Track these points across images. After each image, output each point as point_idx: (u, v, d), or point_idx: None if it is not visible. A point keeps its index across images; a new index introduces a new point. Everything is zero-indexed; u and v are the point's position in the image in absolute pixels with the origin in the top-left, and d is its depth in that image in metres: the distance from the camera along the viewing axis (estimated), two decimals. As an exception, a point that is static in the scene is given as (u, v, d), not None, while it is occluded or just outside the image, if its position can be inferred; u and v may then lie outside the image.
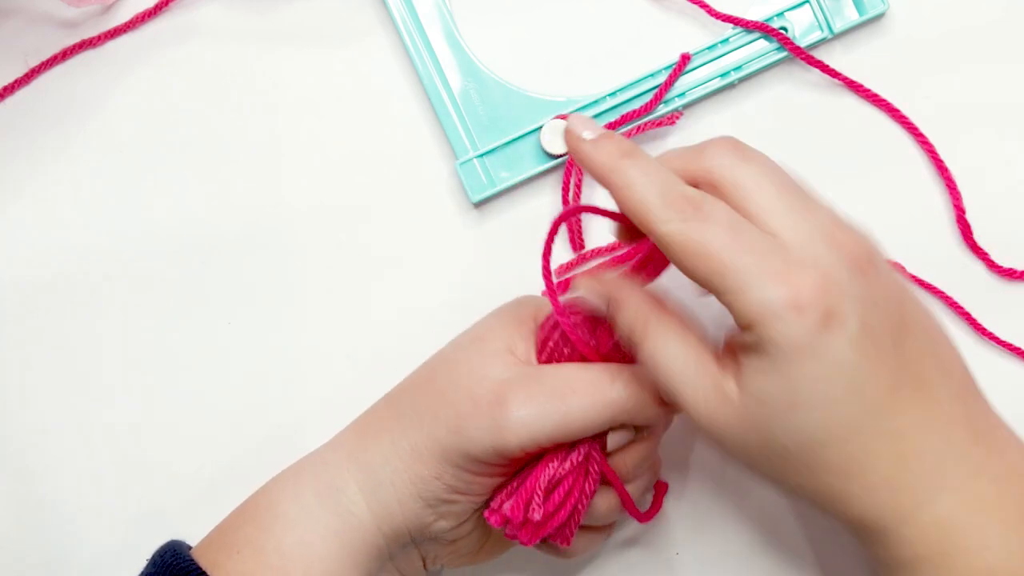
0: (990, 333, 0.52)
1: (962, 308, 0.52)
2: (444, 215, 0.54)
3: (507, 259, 0.54)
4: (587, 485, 0.43)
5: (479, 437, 0.41)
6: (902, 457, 0.37)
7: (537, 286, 0.46)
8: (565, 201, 0.53)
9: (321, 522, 0.43)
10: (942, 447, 0.37)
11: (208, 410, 0.54)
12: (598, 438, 0.43)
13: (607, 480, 0.44)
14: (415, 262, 0.54)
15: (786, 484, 0.39)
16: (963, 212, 0.53)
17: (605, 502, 0.45)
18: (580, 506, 0.43)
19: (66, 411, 0.54)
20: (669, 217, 0.37)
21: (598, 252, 0.53)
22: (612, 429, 0.43)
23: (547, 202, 0.54)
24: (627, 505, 0.45)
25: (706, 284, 0.37)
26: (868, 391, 0.36)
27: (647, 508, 0.48)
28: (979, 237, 0.53)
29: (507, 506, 0.42)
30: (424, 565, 0.46)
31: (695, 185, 0.39)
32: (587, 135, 0.40)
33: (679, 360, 0.39)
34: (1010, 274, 0.53)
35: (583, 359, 0.43)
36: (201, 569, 0.42)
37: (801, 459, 0.37)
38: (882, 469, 0.37)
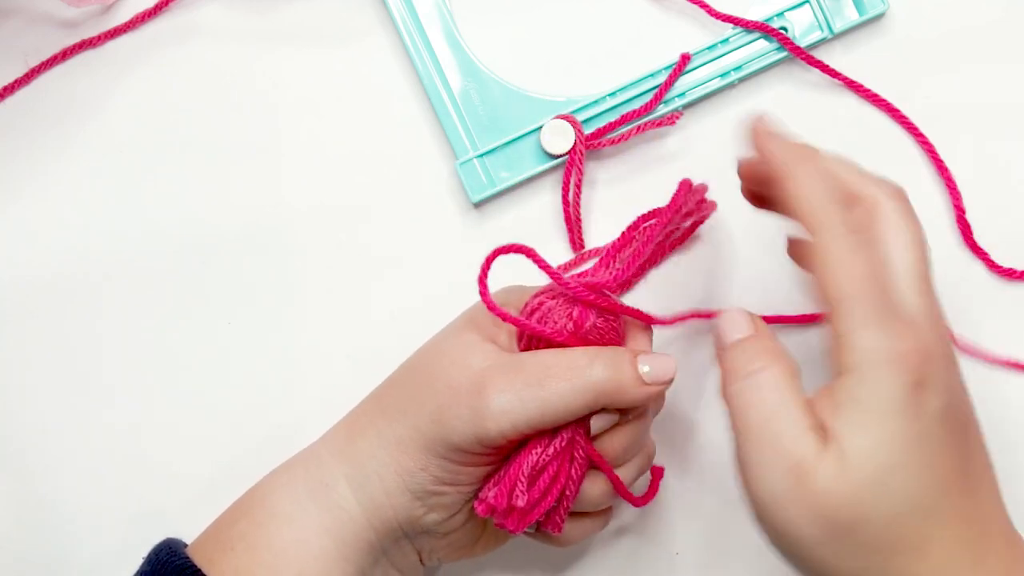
0: (986, 354, 0.52)
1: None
2: (444, 215, 0.54)
3: (507, 259, 0.54)
4: (573, 470, 0.43)
5: (460, 426, 0.42)
6: (962, 542, 0.37)
7: (536, 285, 0.46)
8: (565, 201, 0.53)
9: (314, 518, 0.43)
10: (985, 542, 0.37)
11: (208, 410, 0.54)
12: (582, 422, 0.43)
13: (596, 465, 0.44)
14: (415, 262, 0.54)
15: (841, 568, 0.37)
16: (963, 212, 0.53)
17: (596, 487, 0.45)
18: (568, 491, 0.43)
19: (66, 411, 0.54)
20: (833, 226, 0.38)
21: (598, 252, 0.53)
22: (595, 413, 0.43)
23: (547, 202, 0.54)
24: (619, 489, 0.45)
25: (836, 302, 0.37)
26: (947, 466, 0.37)
27: (643, 493, 0.48)
28: (979, 237, 0.53)
29: (492, 494, 0.42)
30: (420, 560, 0.46)
31: (852, 198, 0.40)
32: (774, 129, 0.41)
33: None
34: (1010, 274, 0.53)
35: (563, 344, 0.43)
36: (196, 566, 0.42)
37: (881, 533, 0.36)
38: (947, 549, 0.36)
